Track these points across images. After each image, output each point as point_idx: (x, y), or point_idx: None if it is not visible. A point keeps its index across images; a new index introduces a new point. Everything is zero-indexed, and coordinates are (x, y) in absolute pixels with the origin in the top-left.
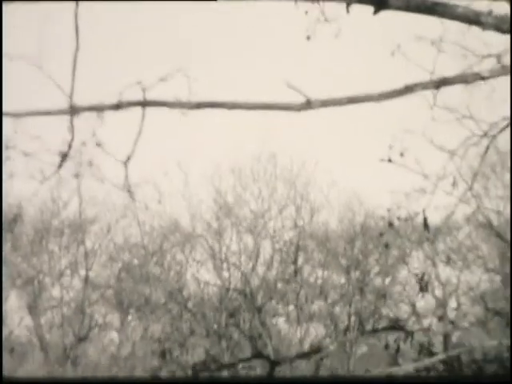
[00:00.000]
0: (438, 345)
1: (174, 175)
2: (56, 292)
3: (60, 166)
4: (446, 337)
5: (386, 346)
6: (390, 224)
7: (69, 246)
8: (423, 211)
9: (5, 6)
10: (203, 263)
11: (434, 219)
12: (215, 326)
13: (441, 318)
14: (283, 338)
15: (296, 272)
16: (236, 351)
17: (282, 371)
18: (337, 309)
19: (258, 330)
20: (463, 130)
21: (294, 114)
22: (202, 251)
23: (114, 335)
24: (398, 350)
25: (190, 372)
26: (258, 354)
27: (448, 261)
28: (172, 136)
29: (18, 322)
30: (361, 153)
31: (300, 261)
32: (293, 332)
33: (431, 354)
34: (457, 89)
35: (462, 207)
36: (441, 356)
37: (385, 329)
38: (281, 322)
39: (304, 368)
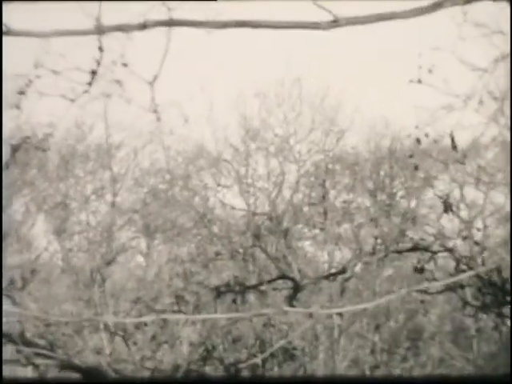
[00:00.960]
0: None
1: (199, 99)
2: (83, 217)
3: (91, 83)
4: (471, 258)
5: (416, 268)
6: (418, 140)
7: (95, 172)
8: (451, 132)
9: (5, 5)
10: (229, 188)
11: (462, 140)
12: (241, 250)
13: (466, 238)
14: (309, 261)
15: (323, 196)
16: (262, 274)
17: (307, 293)
18: (362, 232)
19: (283, 252)
20: (493, 47)
21: (318, 36)
22: (227, 176)
23: (141, 259)
24: (422, 270)
25: (214, 294)
26: (283, 275)
27: (476, 182)
28: (196, 60)
29: (45, 246)
30: (387, 74)
31: (326, 184)
32: (318, 255)
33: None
34: (487, 4)
35: (490, 128)
36: (471, 272)
37: (409, 249)
38: (306, 245)
39: (329, 290)
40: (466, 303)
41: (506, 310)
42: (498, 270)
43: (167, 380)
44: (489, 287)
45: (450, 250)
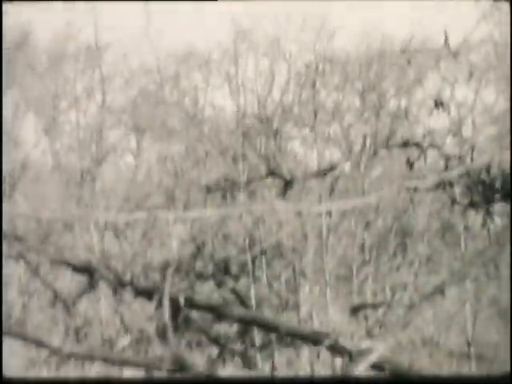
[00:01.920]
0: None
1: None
2: (72, 116)
3: None
4: (460, 157)
5: (407, 161)
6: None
7: (84, 71)
8: (444, 29)
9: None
10: (219, 88)
11: (455, 39)
12: (230, 150)
13: (456, 135)
14: (299, 161)
15: (313, 96)
16: (252, 173)
17: (297, 193)
18: (352, 132)
19: (273, 152)
20: None
21: None
22: (217, 76)
23: (130, 159)
24: (412, 165)
25: (204, 191)
26: (272, 172)
27: (468, 77)
28: None
29: (34, 144)
30: None
31: (317, 85)
32: (308, 154)
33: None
34: None
35: (483, 26)
36: (454, 170)
37: (399, 145)
38: (296, 145)
39: (318, 189)
40: (454, 201)
41: (494, 208)
42: (487, 168)
43: (167, 380)
44: (477, 185)
45: (440, 147)
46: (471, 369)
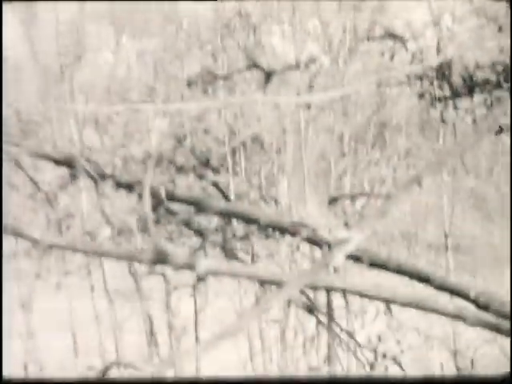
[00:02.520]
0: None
1: None
2: (51, 16)
3: None
4: (439, 50)
5: (386, 54)
6: None
7: None
8: None
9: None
10: None
11: None
12: (210, 44)
13: (436, 24)
14: (278, 56)
15: None
16: (231, 67)
17: (275, 88)
18: (332, 28)
19: (252, 46)
20: None
21: None
22: None
23: (110, 56)
24: (392, 57)
25: (185, 85)
26: (253, 64)
27: None
28: None
29: (12, 41)
30: None
31: None
32: (287, 49)
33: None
34: None
35: None
36: (433, 62)
37: (379, 37)
38: (276, 40)
39: (298, 84)
40: (433, 97)
41: (473, 103)
42: (466, 67)
43: (167, 380)
44: (456, 77)
45: (419, 39)
46: (448, 260)
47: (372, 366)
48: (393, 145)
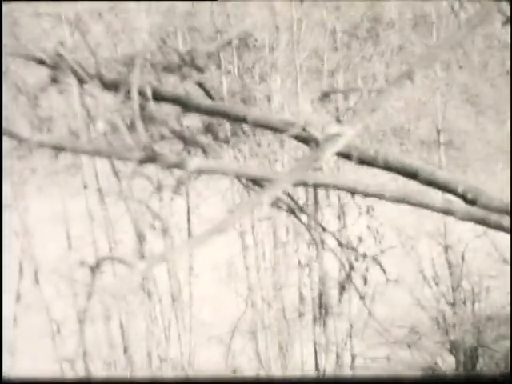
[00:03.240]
0: None
1: None
2: None
3: None
4: None
5: None
6: None
7: None
8: None
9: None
10: None
11: None
12: None
13: None
14: None
15: None
16: None
17: None
18: None
19: None
20: None
21: None
22: None
23: None
24: None
25: None
26: None
27: None
28: None
29: None
30: None
31: None
32: None
33: None
34: None
35: None
36: None
37: None
38: None
39: None
40: None
41: None
42: None
43: (167, 380)
44: None
45: None
46: (440, 156)
47: (352, 267)
48: (386, 40)
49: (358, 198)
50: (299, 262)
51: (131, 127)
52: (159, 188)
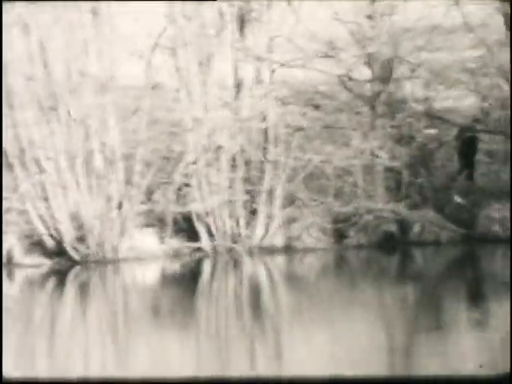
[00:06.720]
0: None
1: None
2: None
3: None
4: None
5: None
6: None
7: None
8: None
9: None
10: None
11: None
12: None
13: None
14: None
15: None
16: None
17: None
18: None
19: None
20: None
21: None
22: None
23: None
24: None
25: None
26: None
27: None
28: None
29: None
30: None
31: None
32: None
33: None
34: None
35: None
36: None
37: None
38: None
39: None
40: None
41: None
42: None
43: (167, 380)
44: None
45: None
46: None
47: None
48: None
49: None
50: None
51: None
52: None
